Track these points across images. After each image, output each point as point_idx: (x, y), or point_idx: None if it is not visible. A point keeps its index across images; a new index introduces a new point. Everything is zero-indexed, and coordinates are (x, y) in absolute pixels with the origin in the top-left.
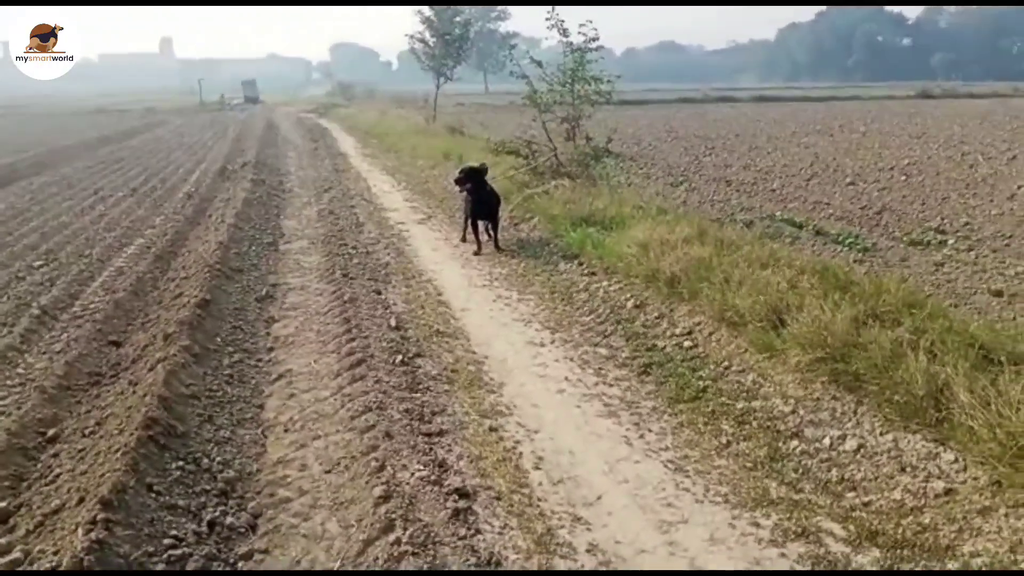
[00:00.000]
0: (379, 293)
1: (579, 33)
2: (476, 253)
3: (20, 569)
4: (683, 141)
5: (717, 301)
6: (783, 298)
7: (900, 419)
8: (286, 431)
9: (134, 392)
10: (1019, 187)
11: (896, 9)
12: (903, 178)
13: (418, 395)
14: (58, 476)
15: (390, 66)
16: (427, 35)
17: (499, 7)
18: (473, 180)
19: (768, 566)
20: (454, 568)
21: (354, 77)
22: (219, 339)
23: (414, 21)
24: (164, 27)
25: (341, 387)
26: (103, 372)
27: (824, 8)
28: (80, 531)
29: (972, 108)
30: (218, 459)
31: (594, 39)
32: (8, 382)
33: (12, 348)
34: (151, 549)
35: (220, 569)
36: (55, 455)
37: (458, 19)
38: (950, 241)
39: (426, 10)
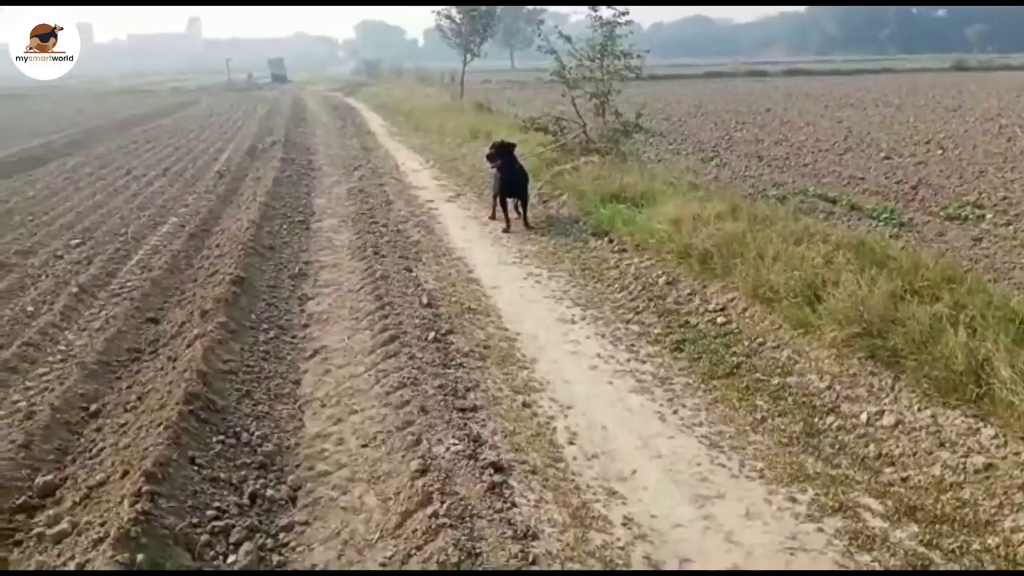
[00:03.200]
0: (410, 271)
1: (609, 7)
2: (505, 230)
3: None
4: (713, 116)
5: (751, 277)
6: (819, 273)
7: (939, 395)
8: (323, 406)
9: (173, 368)
10: None
11: None
12: (939, 152)
13: (451, 371)
14: (101, 450)
15: (416, 43)
16: (453, 11)
17: None
18: (503, 156)
19: (805, 541)
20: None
21: (380, 55)
22: (254, 316)
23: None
24: (192, 7)
25: (375, 363)
26: (142, 348)
27: None
28: (126, 503)
29: (1009, 80)
30: (257, 433)
31: (624, 13)
32: (50, 358)
33: (52, 325)
34: (195, 520)
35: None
36: (98, 429)
37: None
38: (988, 216)
39: None
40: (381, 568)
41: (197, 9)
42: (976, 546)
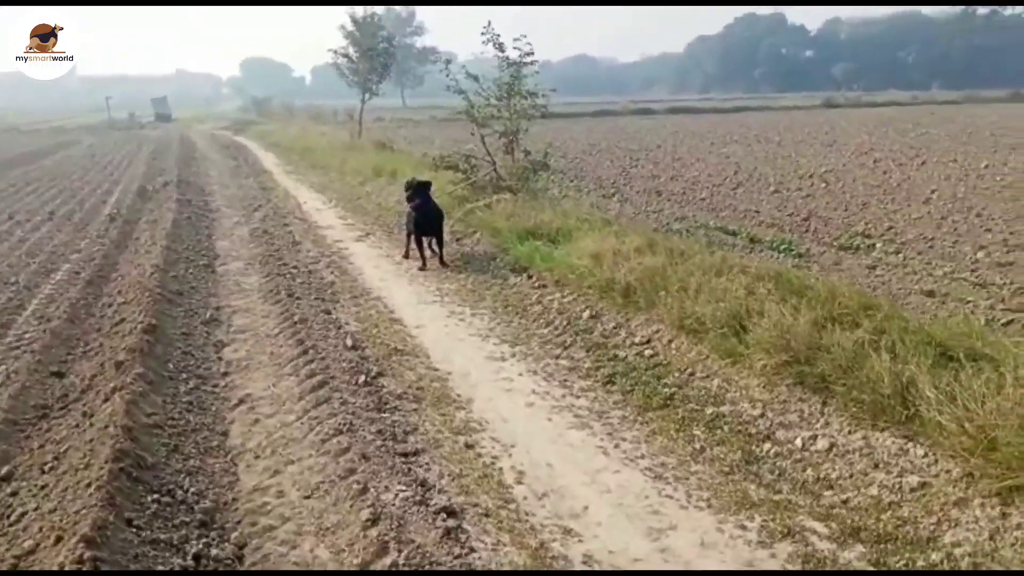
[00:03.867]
0: (329, 313)
1: (514, 48)
2: (421, 269)
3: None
4: (607, 153)
5: (675, 309)
6: (743, 304)
7: (868, 417)
8: (256, 457)
9: (91, 424)
10: (932, 191)
11: (798, 21)
12: (823, 185)
13: (386, 415)
14: (23, 515)
15: (303, 80)
16: (351, 50)
17: (415, 22)
18: (420, 194)
19: (760, 566)
20: None
21: (266, 92)
22: (171, 365)
23: (334, 36)
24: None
25: (306, 410)
26: (49, 404)
27: (731, 21)
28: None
29: (875, 116)
30: (192, 490)
31: (529, 54)
32: None
33: None
34: None
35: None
36: (13, 494)
37: (382, 33)
38: (878, 245)
39: (349, 25)
40: None
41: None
42: (921, 563)
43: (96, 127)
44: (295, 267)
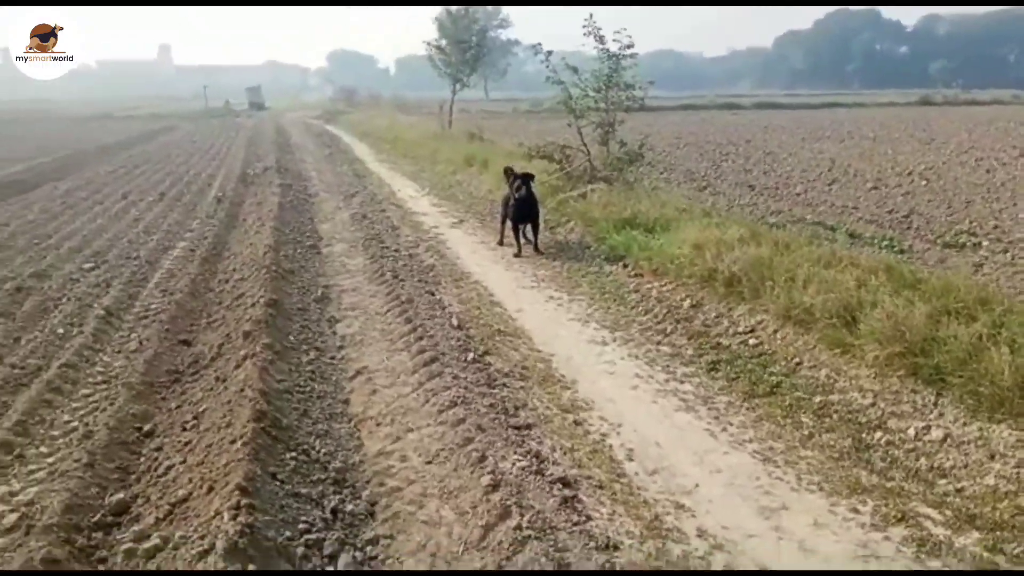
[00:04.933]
0: (432, 294)
1: (614, 40)
2: (517, 255)
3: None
4: (695, 147)
5: (782, 299)
6: (854, 296)
7: (984, 410)
8: (378, 425)
9: (225, 388)
10: None
11: (895, 17)
12: (924, 183)
13: (496, 390)
14: (170, 468)
15: (387, 72)
16: (443, 42)
17: (500, 15)
18: (525, 184)
19: (874, 548)
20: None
21: (352, 83)
22: (292, 338)
23: (419, 30)
24: (163, 34)
25: (421, 383)
26: (181, 370)
27: (822, 16)
28: (226, 516)
29: (975, 115)
30: (323, 451)
31: (629, 46)
32: (90, 379)
33: (87, 347)
34: (289, 534)
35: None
36: (158, 448)
37: (475, 26)
38: (984, 244)
39: (443, 17)
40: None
41: (168, 35)
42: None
43: (191, 115)
44: (396, 250)
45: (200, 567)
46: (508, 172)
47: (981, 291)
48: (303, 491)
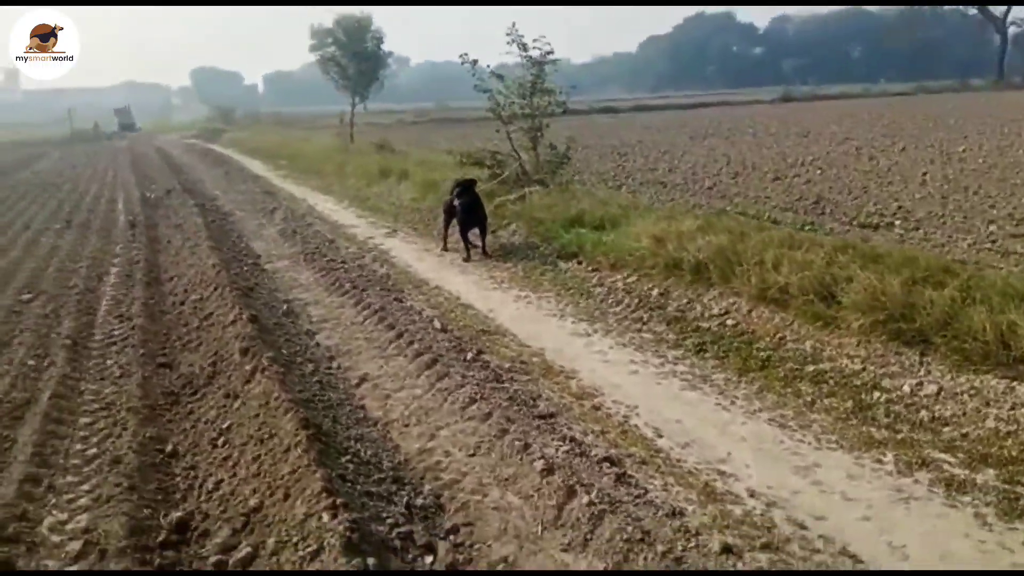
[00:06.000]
0: (401, 301)
1: (534, 48)
2: (466, 260)
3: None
4: (593, 150)
5: (754, 281)
6: (827, 273)
7: (969, 364)
8: (406, 426)
9: (243, 403)
10: (924, 174)
11: (747, 19)
12: (819, 172)
13: (507, 385)
14: (219, 483)
15: (255, 88)
16: (338, 54)
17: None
18: (467, 191)
19: (907, 491)
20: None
21: (218, 101)
22: (284, 351)
23: (299, 44)
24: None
25: (432, 384)
26: (176, 392)
27: (681, 21)
28: (325, 517)
29: (834, 109)
30: (368, 452)
31: (549, 53)
32: (87, 408)
33: (68, 376)
34: (382, 528)
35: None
36: (191, 467)
37: (369, 35)
38: (896, 223)
39: (335, 29)
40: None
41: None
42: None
43: (60, 139)
44: (343, 262)
45: (314, 567)
46: (457, 183)
47: (942, 261)
48: (373, 490)
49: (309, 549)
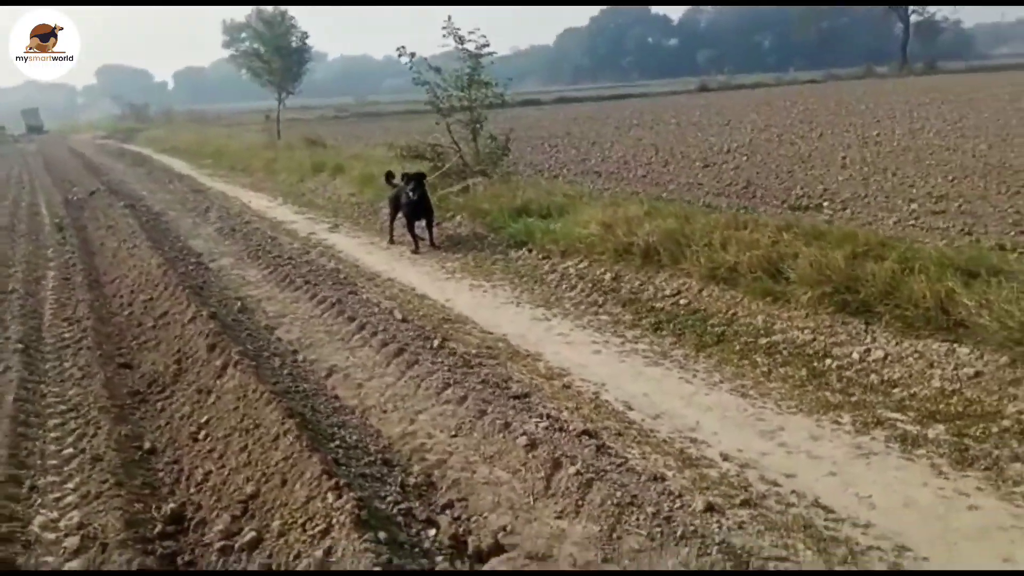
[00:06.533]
0: (355, 294)
1: (469, 40)
2: (415, 252)
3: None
4: (524, 141)
5: (703, 262)
6: (773, 251)
7: (912, 330)
8: (384, 412)
9: (218, 397)
10: (843, 157)
11: (661, 11)
12: (744, 158)
13: (476, 369)
14: (207, 475)
15: (165, 86)
16: (262, 50)
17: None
18: (417, 184)
19: (867, 448)
20: None
21: (127, 99)
22: (248, 346)
23: (208, 39)
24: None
25: (402, 371)
26: (142, 391)
27: (597, 13)
28: (331, 497)
29: (749, 97)
30: (353, 438)
31: (485, 46)
32: (53, 410)
33: (27, 380)
34: (383, 506)
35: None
36: (174, 462)
37: (294, 31)
38: (825, 204)
39: (256, 24)
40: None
41: None
42: (995, 429)
43: None
44: (290, 258)
45: (325, 545)
46: (390, 175)
47: (878, 236)
48: (366, 471)
49: (318, 528)
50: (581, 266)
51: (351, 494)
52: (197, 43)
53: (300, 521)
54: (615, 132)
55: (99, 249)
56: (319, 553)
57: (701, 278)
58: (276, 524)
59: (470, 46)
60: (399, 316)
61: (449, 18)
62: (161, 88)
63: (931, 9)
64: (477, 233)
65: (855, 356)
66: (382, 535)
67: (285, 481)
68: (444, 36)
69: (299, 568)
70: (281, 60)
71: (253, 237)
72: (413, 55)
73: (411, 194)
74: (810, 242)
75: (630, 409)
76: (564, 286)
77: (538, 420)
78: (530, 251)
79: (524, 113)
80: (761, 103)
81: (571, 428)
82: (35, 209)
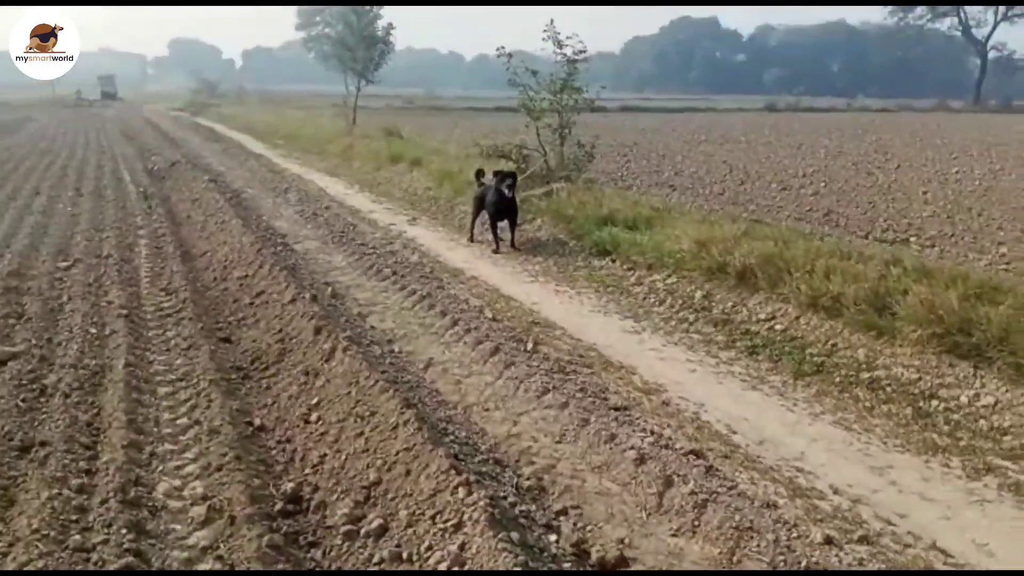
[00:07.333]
0: (443, 288)
1: (567, 46)
2: (495, 251)
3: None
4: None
5: (804, 289)
6: (882, 284)
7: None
8: (486, 411)
9: (327, 381)
10: (925, 192)
11: (733, 26)
12: (823, 184)
13: (572, 376)
14: (323, 457)
15: (232, 63)
16: (348, 38)
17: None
18: (508, 183)
19: (979, 494)
20: None
21: (195, 74)
22: (348, 332)
23: (284, 21)
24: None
25: (500, 372)
26: (244, 367)
27: (667, 23)
28: (461, 492)
29: (819, 121)
30: (462, 434)
31: (582, 51)
32: (161, 379)
33: (133, 347)
34: (506, 506)
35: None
36: (287, 440)
37: (379, 21)
38: (912, 240)
39: (347, 13)
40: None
41: None
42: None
43: (40, 104)
44: (373, 248)
45: (459, 540)
46: (480, 173)
47: (991, 279)
48: (482, 470)
49: (450, 523)
50: (669, 281)
51: (482, 491)
52: (268, 24)
53: (428, 514)
54: (684, 146)
55: (185, 220)
56: (454, 547)
57: (799, 305)
58: (403, 514)
59: (568, 51)
60: (489, 315)
61: (551, 22)
62: (228, 65)
63: (1011, 46)
64: (558, 238)
65: (963, 400)
66: (515, 535)
67: (409, 472)
68: (544, 40)
69: (430, 562)
70: (365, 49)
71: (335, 223)
72: (511, 55)
73: (507, 191)
74: (919, 279)
75: (733, 432)
76: (652, 299)
77: (643, 435)
78: (614, 261)
79: (591, 120)
80: (832, 128)
81: (678, 446)
82: (118, 175)
